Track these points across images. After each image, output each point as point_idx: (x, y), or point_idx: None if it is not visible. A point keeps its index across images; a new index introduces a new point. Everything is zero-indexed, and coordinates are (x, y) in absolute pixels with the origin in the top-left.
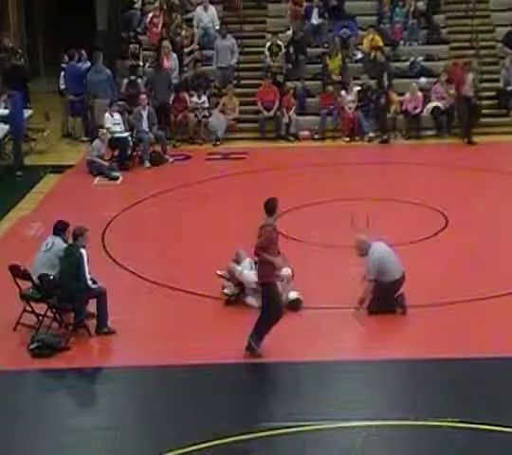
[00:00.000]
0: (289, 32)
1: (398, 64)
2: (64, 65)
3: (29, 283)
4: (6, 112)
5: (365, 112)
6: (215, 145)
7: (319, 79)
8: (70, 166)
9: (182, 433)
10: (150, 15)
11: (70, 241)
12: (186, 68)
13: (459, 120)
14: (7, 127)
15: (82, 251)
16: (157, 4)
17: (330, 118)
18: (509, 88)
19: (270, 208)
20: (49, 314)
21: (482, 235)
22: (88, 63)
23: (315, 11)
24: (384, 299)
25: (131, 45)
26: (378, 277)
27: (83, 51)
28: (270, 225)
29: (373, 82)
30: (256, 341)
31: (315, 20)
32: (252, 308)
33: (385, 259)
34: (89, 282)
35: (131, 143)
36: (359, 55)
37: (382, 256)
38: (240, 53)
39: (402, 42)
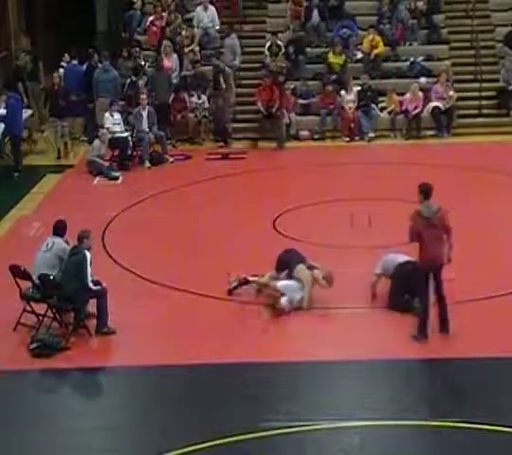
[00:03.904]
0: (289, 32)
1: (398, 64)
2: (63, 64)
3: (29, 283)
4: (4, 112)
5: (365, 112)
6: (226, 143)
7: (319, 79)
8: (70, 166)
9: (182, 433)
10: (151, 18)
11: (72, 242)
12: (190, 67)
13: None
14: (2, 125)
15: (87, 253)
16: (159, 5)
17: (330, 117)
18: (509, 88)
19: (426, 191)
20: (49, 314)
21: (482, 235)
22: (84, 64)
23: (315, 11)
24: (398, 294)
25: (133, 49)
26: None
27: (91, 50)
28: (418, 212)
29: (373, 83)
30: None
31: (315, 20)
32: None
33: (393, 257)
34: (91, 284)
35: (131, 143)
36: (359, 55)
37: (392, 255)
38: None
39: (402, 42)
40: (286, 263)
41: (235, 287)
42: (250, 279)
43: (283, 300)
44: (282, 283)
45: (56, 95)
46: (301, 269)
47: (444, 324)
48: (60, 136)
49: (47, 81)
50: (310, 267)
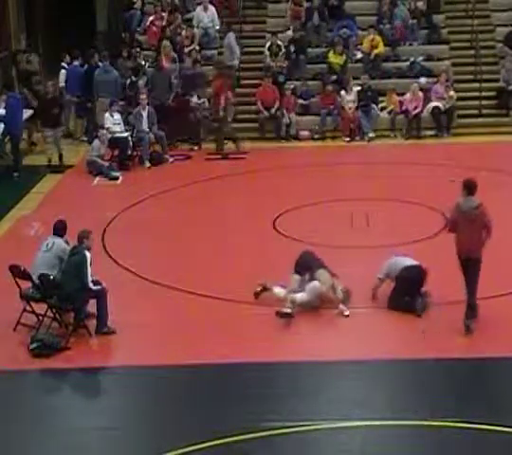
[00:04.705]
0: (289, 32)
1: (398, 64)
2: (64, 65)
3: (29, 283)
4: (3, 112)
5: (365, 112)
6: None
7: (319, 79)
8: (70, 166)
9: (182, 433)
10: (151, 18)
11: (70, 241)
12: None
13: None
14: (1, 125)
15: (87, 253)
16: (159, 5)
17: (330, 117)
18: (509, 88)
19: (470, 186)
20: (49, 314)
21: None
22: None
23: (316, 11)
24: (400, 295)
25: (133, 49)
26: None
27: (92, 50)
28: (457, 205)
29: (373, 83)
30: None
31: (316, 20)
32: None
33: (398, 260)
34: (91, 284)
35: (131, 143)
36: (359, 55)
37: (396, 259)
38: (240, 53)
39: (402, 42)
40: (307, 266)
41: (259, 293)
42: (274, 289)
43: (299, 296)
44: (301, 295)
45: (50, 104)
46: (322, 273)
47: (468, 314)
48: (53, 146)
49: (44, 84)
50: (331, 274)
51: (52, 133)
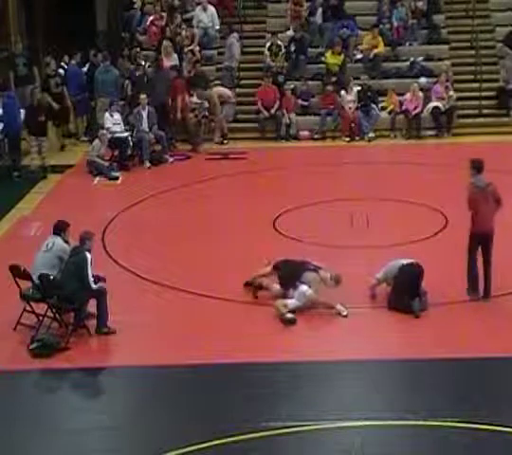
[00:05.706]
0: (289, 32)
1: (398, 64)
2: (63, 65)
3: (29, 283)
4: (0, 111)
5: (365, 112)
6: (222, 143)
7: (319, 79)
8: (70, 166)
9: (182, 433)
10: (151, 18)
11: (70, 241)
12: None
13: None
14: (0, 125)
15: (87, 255)
16: (158, 5)
17: (330, 117)
18: (509, 88)
19: (479, 166)
20: (49, 314)
21: None
22: (86, 65)
23: (319, 11)
24: (399, 295)
25: (134, 49)
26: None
27: (93, 50)
28: (472, 183)
29: (373, 83)
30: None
31: (319, 20)
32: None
33: (395, 262)
34: (92, 284)
35: (131, 143)
36: (359, 55)
37: (396, 261)
38: (239, 54)
39: (402, 42)
40: (292, 277)
41: (253, 289)
42: (275, 286)
43: (289, 302)
44: (291, 302)
45: (36, 111)
46: (307, 275)
47: (486, 289)
48: (38, 154)
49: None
50: (315, 269)
51: (36, 142)
